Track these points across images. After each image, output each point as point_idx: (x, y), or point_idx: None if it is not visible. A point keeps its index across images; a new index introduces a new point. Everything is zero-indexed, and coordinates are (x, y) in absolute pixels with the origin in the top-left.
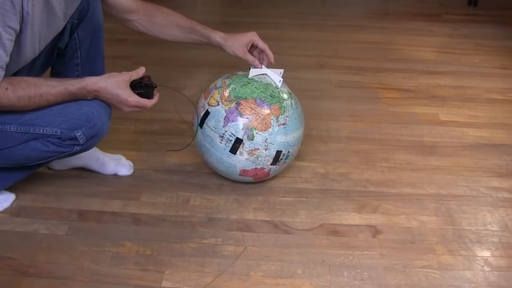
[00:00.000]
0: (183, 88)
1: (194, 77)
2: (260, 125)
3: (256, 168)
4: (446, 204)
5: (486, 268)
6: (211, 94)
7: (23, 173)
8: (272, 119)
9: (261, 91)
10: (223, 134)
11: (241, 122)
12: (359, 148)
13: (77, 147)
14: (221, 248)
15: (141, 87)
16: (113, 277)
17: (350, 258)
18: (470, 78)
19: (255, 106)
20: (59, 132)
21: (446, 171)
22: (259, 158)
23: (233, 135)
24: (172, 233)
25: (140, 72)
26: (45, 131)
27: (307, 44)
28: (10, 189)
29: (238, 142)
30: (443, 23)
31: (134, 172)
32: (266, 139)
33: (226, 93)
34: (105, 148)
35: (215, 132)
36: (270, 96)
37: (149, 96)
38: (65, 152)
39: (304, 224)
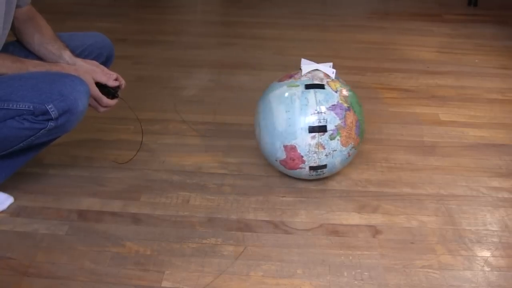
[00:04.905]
0: (183, 88)
1: (194, 77)
2: (344, 139)
3: (300, 155)
4: (446, 204)
5: (486, 268)
6: (331, 79)
7: (16, 162)
8: (351, 144)
9: (362, 118)
10: (321, 112)
11: (339, 121)
12: (359, 148)
13: (51, 123)
14: (221, 248)
15: (102, 87)
16: (113, 277)
17: (350, 258)
18: (470, 78)
19: (354, 124)
20: (31, 106)
21: (446, 171)
22: (314, 154)
23: (326, 121)
24: (172, 233)
25: (110, 81)
26: (18, 106)
27: (307, 44)
28: (9, 189)
29: (322, 129)
30: (443, 23)
31: (134, 172)
32: (336, 151)
33: (345, 92)
34: (106, 148)
35: (316, 103)
36: (362, 129)
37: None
38: (41, 129)
39: (304, 224)
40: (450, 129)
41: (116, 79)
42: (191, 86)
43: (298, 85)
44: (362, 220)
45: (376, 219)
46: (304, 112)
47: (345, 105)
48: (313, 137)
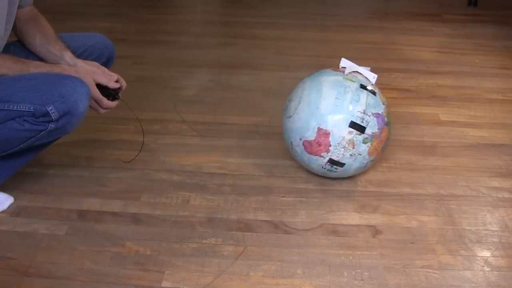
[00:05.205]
0: (183, 88)
1: (194, 77)
2: (372, 149)
3: (329, 143)
4: (446, 204)
5: (486, 268)
6: (380, 91)
7: (16, 162)
8: (374, 156)
9: (390, 138)
10: (367, 113)
11: (377, 130)
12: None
13: (51, 125)
14: (221, 248)
15: (102, 89)
16: (113, 277)
17: (350, 258)
18: (470, 78)
19: (384, 140)
20: (32, 108)
21: (446, 171)
22: (341, 148)
23: (368, 124)
24: (172, 233)
25: (111, 83)
26: (19, 107)
27: (307, 44)
28: (9, 189)
29: (361, 129)
30: (443, 23)
31: (134, 172)
32: (360, 155)
33: (388, 109)
34: (106, 148)
35: (366, 104)
36: (385, 147)
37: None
38: (41, 130)
39: (304, 224)
40: (450, 129)
41: (117, 81)
42: (191, 86)
43: (354, 81)
44: (362, 220)
45: (376, 219)
46: (352, 107)
47: (386, 119)
48: (350, 133)
